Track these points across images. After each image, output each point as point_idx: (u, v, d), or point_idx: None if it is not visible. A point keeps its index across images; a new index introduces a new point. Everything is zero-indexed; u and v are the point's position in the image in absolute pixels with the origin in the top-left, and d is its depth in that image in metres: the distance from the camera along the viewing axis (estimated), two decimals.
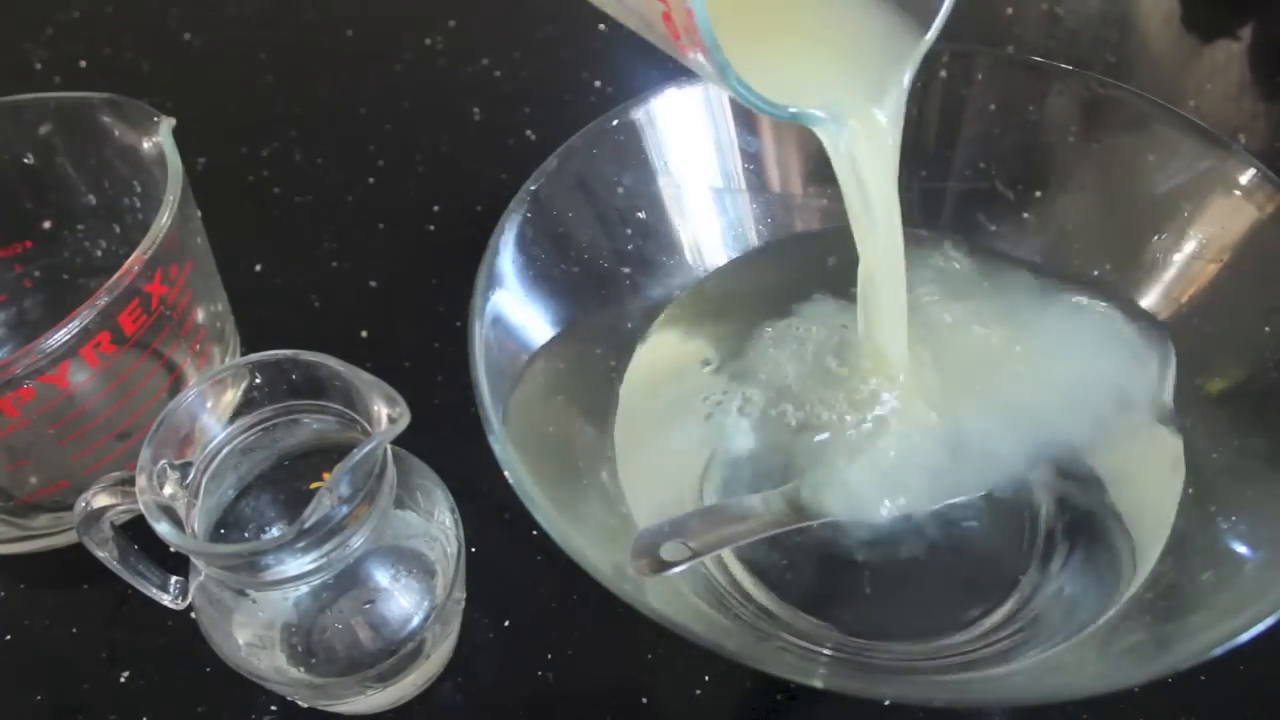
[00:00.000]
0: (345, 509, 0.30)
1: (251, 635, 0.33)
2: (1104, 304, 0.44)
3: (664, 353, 0.46)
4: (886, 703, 0.35)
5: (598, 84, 0.64)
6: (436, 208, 0.55)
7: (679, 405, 0.45)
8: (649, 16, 0.29)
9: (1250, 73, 0.64)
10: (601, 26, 0.67)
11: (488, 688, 0.39)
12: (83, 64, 0.69)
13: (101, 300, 0.36)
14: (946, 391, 0.44)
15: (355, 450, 0.30)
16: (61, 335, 0.35)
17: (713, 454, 0.43)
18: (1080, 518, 0.40)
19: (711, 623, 0.37)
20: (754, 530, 0.38)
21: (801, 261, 0.49)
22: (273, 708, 0.39)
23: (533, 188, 0.42)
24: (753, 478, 0.42)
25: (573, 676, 0.39)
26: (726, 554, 0.40)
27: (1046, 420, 0.42)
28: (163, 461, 0.31)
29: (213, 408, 0.33)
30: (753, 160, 0.48)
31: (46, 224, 0.47)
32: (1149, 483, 0.40)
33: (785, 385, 0.45)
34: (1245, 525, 0.36)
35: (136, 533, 0.33)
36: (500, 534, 0.41)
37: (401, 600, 0.34)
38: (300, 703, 0.37)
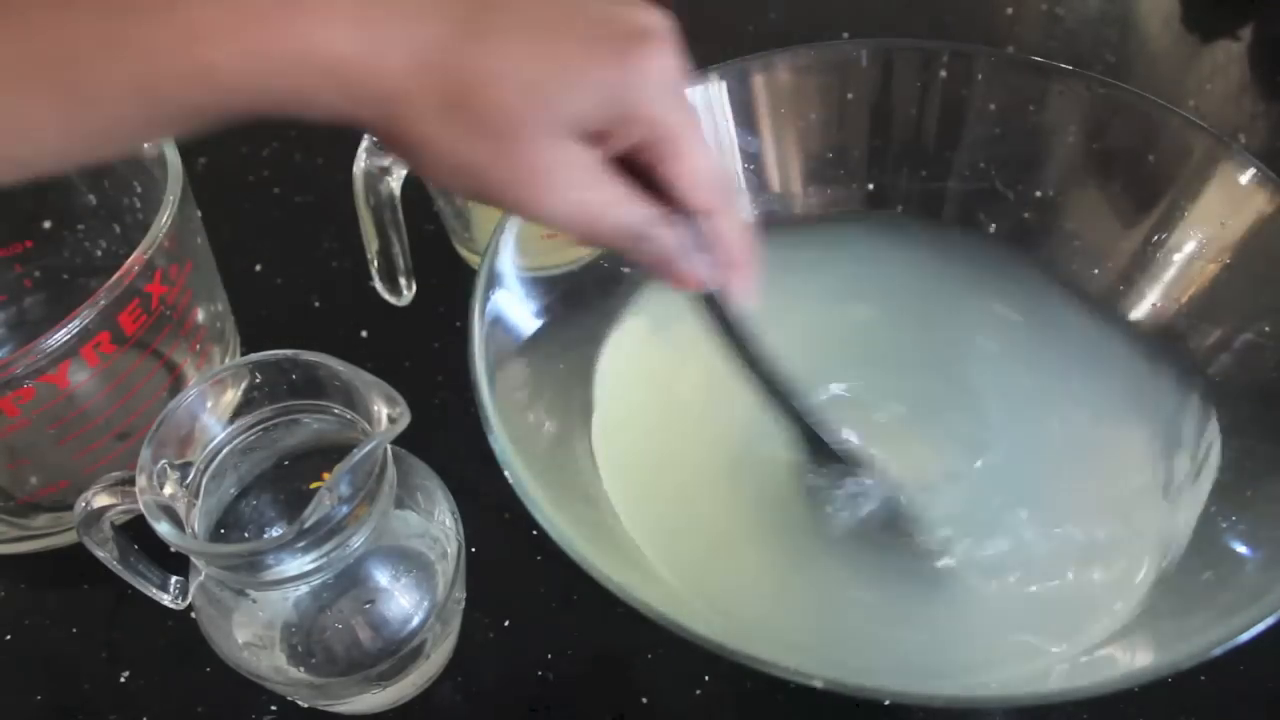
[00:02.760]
0: (345, 509, 0.30)
1: (251, 635, 0.33)
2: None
3: (645, 351, 0.46)
4: (886, 703, 0.35)
5: None
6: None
7: (671, 405, 0.45)
8: None
9: (1250, 73, 0.64)
10: None
11: (488, 688, 0.39)
12: None
13: (101, 300, 0.36)
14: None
15: (355, 450, 0.30)
16: (61, 335, 0.35)
17: (713, 452, 0.43)
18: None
19: (711, 623, 0.37)
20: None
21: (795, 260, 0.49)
22: (273, 708, 0.39)
23: None
24: (752, 474, 0.42)
25: (573, 676, 0.39)
26: None
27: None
28: (163, 461, 0.31)
29: (213, 408, 0.33)
30: (753, 160, 0.48)
31: (46, 224, 0.47)
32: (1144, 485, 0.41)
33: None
34: (1245, 525, 0.36)
35: (136, 533, 0.33)
36: (500, 534, 0.41)
37: (401, 600, 0.34)
38: (300, 703, 0.37)
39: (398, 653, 0.34)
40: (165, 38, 0.24)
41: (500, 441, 0.33)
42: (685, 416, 0.44)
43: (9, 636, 0.41)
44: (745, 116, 0.47)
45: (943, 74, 0.46)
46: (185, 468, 0.32)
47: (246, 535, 0.36)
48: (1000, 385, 0.44)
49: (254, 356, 0.33)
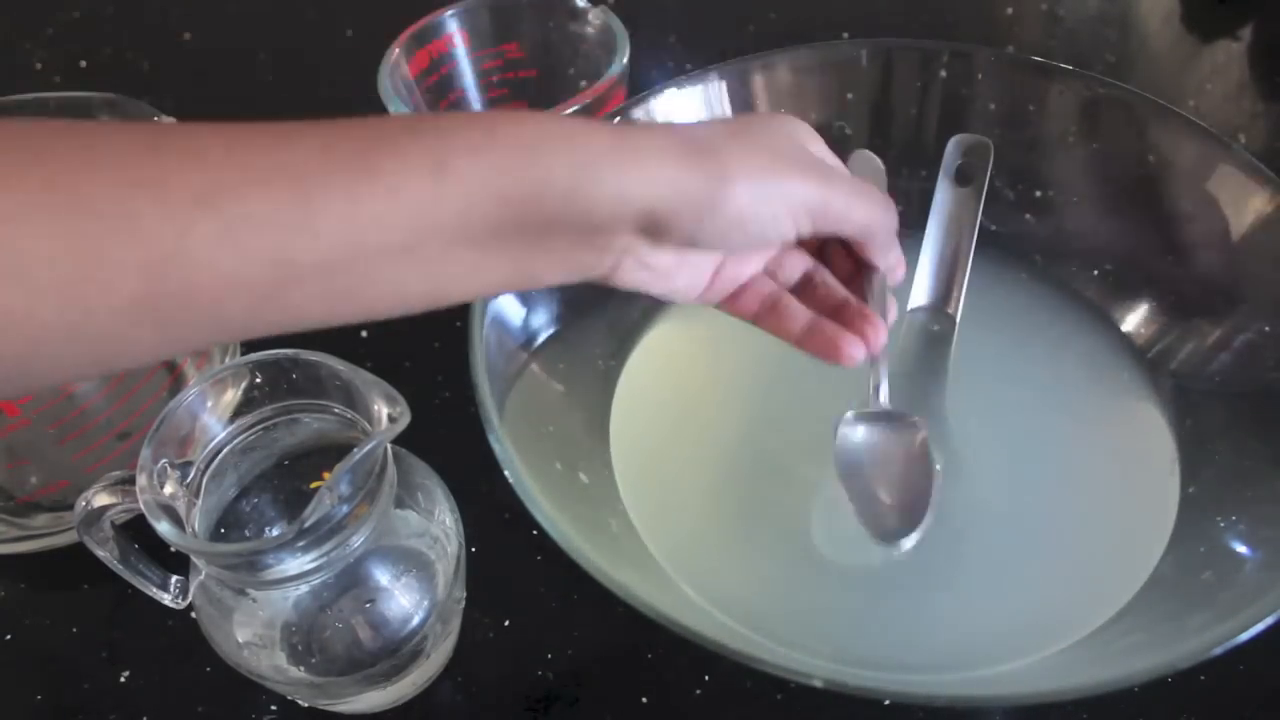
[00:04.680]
0: (345, 508, 0.30)
1: (252, 634, 0.33)
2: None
3: (662, 353, 0.46)
4: (886, 703, 0.35)
5: None
6: None
7: (678, 404, 0.45)
8: None
9: (1250, 73, 0.65)
10: None
11: (488, 688, 0.39)
12: (83, 64, 0.69)
13: None
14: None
15: (355, 450, 0.30)
16: None
17: (715, 451, 0.43)
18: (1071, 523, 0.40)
19: (712, 623, 0.37)
20: None
21: None
22: (273, 708, 0.39)
23: None
24: (756, 473, 0.42)
25: (573, 676, 0.39)
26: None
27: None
28: (163, 461, 0.31)
29: (213, 407, 0.33)
30: None
31: None
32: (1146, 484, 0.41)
33: (783, 382, 0.45)
34: (1245, 525, 0.36)
35: (136, 533, 0.33)
36: (500, 534, 0.41)
37: (402, 600, 0.34)
38: (300, 702, 0.37)
39: (398, 652, 0.34)
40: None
41: (500, 441, 0.33)
42: (690, 414, 0.44)
43: (9, 636, 0.41)
44: None
45: (943, 74, 0.46)
46: (185, 467, 0.32)
47: (246, 535, 0.36)
48: (999, 384, 0.44)
49: (254, 356, 0.33)
